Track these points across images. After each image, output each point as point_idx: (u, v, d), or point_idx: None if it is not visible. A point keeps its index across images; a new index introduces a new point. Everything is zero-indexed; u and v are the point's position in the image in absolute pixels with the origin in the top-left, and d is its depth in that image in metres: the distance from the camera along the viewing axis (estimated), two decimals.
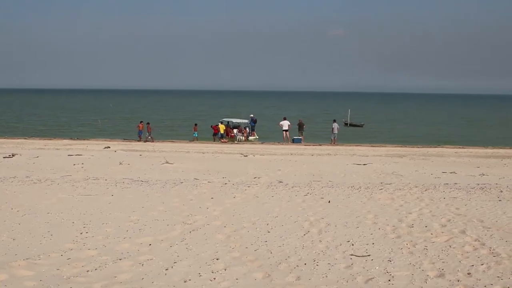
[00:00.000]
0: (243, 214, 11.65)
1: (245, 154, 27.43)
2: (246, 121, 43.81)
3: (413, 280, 7.51)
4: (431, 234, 10.02)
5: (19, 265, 7.85)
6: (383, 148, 35.07)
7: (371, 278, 7.57)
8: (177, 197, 13.58)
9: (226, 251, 8.80)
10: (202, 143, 37.63)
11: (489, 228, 10.55)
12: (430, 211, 12.18)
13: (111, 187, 15.07)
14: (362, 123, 61.53)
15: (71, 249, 8.72)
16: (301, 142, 38.23)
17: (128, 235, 9.69)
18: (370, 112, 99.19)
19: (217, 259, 8.35)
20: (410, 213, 11.92)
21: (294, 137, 39.10)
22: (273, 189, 15.26)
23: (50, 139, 38.56)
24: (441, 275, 7.70)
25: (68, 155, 25.42)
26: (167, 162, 21.82)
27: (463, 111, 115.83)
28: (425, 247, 9.10)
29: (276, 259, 8.41)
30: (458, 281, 7.48)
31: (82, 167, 20.01)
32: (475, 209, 12.48)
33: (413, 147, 36.12)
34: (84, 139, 39.06)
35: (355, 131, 53.19)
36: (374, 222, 10.98)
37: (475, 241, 9.51)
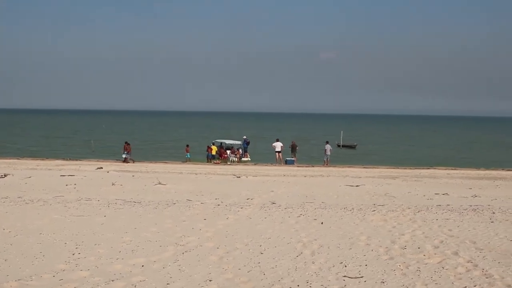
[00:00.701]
0: (236, 235, 11.63)
1: (238, 175, 27.43)
2: (239, 142, 43.95)
3: None
4: (424, 255, 10.04)
5: (10, 286, 7.80)
6: (376, 169, 35.21)
7: None
8: (170, 218, 13.55)
9: (219, 272, 8.77)
10: (195, 164, 37.64)
11: (482, 249, 10.58)
12: (423, 233, 12.20)
13: (104, 208, 15.03)
14: (355, 144, 61.73)
15: (63, 270, 8.67)
16: (294, 164, 38.32)
17: (120, 256, 9.65)
18: (363, 133, 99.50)
19: (210, 280, 8.33)
20: (403, 235, 11.95)
21: (287, 159, 39.19)
22: (266, 210, 15.25)
23: (42, 159, 38.42)
24: None
25: (61, 175, 25.35)
26: (160, 183, 21.80)
27: (461, 132, 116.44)
28: (418, 269, 9.11)
29: (269, 280, 8.39)
30: None
31: (75, 188, 19.95)
32: (467, 231, 12.53)
33: (406, 168, 36.24)
34: (76, 160, 38.98)
35: (347, 153, 53.30)
36: (367, 244, 10.99)
37: (468, 262, 9.54)
